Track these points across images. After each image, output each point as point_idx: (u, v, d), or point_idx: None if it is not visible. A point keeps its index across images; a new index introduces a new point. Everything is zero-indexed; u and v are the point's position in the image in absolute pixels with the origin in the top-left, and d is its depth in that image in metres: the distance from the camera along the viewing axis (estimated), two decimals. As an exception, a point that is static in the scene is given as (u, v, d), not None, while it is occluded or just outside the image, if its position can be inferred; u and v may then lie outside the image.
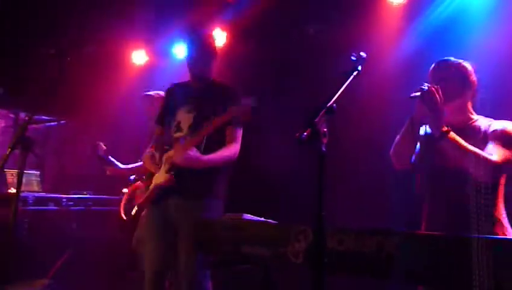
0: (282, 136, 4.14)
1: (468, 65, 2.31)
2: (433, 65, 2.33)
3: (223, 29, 4.97)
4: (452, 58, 2.33)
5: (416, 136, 2.26)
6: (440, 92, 2.11)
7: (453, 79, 2.24)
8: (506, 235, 2.13)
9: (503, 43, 3.32)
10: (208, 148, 2.70)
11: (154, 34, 5.35)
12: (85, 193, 5.10)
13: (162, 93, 4.04)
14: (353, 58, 1.89)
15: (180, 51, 5.25)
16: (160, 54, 5.48)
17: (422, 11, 3.74)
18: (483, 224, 2.03)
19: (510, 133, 2.15)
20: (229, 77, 4.93)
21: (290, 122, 4.33)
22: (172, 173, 2.69)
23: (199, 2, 4.85)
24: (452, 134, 2.08)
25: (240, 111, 2.55)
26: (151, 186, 2.77)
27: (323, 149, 1.56)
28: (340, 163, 3.42)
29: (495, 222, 2.14)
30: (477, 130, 2.23)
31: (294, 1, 4.49)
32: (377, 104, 3.56)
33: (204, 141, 2.70)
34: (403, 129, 2.25)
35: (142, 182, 3.11)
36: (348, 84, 1.79)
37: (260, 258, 1.86)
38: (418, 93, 2.10)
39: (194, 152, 2.61)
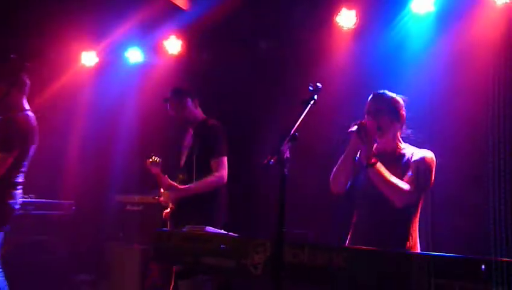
0: (240, 147, 4.34)
1: (400, 99, 2.64)
2: (370, 97, 2.66)
3: (178, 37, 5.04)
4: (387, 92, 2.65)
5: (353, 166, 2.58)
6: (372, 126, 2.48)
7: (386, 112, 2.58)
8: (414, 248, 2.47)
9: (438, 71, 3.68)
10: (199, 179, 3.42)
11: (106, 36, 5.32)
12: (27, 196, 4.97)
13: None
14: (310, 88, 2.12)
15: (132, 55, 5.27)
16: (111, 56, 5.45)
17: (371, 37, 4.02)
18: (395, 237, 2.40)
19: (426, 164, 2.50)
20: (184, 85, 5.04)
21: (246, 129, 4.57)
22: (174, 212, 3.45)
23: (153, 9, 4.89)
24: (378, 165, 2.43)
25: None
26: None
27: (286, 172, 1.77)
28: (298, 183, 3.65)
29: (407, 237, 2.47)
30: (402, 157, 2.58)
31: (249, 14, 4.65)
32: (325, 126, 3.80)
33: (195, 174, 3.41)
34: (341, 159, 2.57)
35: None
36: (306, 113, 2.01)
37: (221, 269, 2.02)
38: (355, 128, 2.45)
39: (174, 186, 3.39)
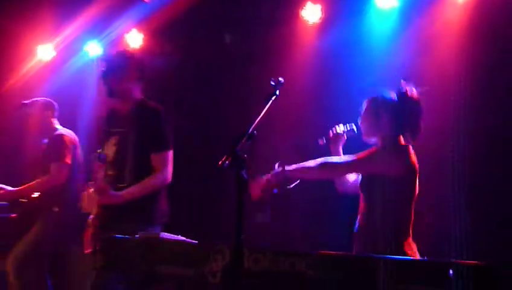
0: (201, 146, 4.20)
1: (388, 94, 2.50)
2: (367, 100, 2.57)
3: (139, 30, 4.85)
4: (373, 90, 2.57)
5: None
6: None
7: (366, 115, 2.51)
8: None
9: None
10: (139, 178, 2.68)
11: (64, 29, 5.06)
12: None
13: (40, 100, 3.92)
14: (272, 83, 1.98)
15: (92, 48, 5.03)
16: (69, 50, 5.19)
17: (336, 32, 3.96)
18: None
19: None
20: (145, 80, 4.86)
21: (207, 126, 4.44)
22: (96, 214, 2.70)
23: (114, 0, 4.69)
24: (288, 168, 2.35)
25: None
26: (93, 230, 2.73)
27: (244, 175, 1.63)
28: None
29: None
30: None
31: (214, 6, 4.52)
32: (291, 121, 3.72)
33: (133, 171, 2.68)
34: None
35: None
36: (267, 109, 1.88)
37: (177, 278, 1.88)
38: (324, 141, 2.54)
39: (108, 193, 2.61)
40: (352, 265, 1.70)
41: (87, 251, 2.72)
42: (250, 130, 1.73)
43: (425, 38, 3.65)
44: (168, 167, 2.71)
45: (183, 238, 2.12)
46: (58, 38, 5.11)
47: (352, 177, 2.57)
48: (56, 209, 3.69)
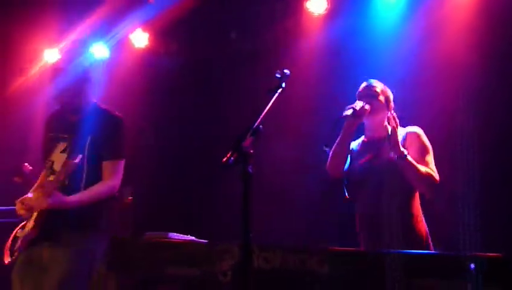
0: (208, 145, 4.15)
1: (389, 90, 2.57)
2: (363, 84, 2.55)
3: (144, 30, 4.81)
4: (375, 81, 2.56)
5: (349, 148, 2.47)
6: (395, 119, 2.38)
7: (383, 97, 2.49)
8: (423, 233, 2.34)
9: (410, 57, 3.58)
10: (87, 187, 2.45)
11: (70, 32, 5.05)
12: None
13: None
14: (277, 75, 1.92)
15: (97, 50, 5.01)
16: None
17: (342, 23, 3.88)
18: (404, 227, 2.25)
19: (422, 142, 2.41)
20: (150, 79, 4.83)
21: (212, 126, 4.40)
22: (38, 224, 2.38)
23: (118, 1, 4.66)
24: (409, 157, 2.29)
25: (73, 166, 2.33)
26: (21, 237, 2.43)
27: (250, 170, 1.57)
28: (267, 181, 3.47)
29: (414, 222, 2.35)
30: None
31: (217, 4, 4.46)
32: (298, 117, 3.65)
33: (84, 178, 2.44)
34: (336, 144, 2.45)
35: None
36: (273, 102, 1.81)
37: (186, 278, 1.83)
38: (350, 112, 2.32)
39: (57, 196, 2.34)
40: (365, 261, 1.64)
41: (7, 260, 2.41)
42: (256, 124, 1.66)
43: (432, 28, 3.57)
44: (118, 175, 2.50)
45: (192, 237, 2.07)
46: (64, 42, 5.10)
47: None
48: None
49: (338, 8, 3.98)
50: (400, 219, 2.27)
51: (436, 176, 2.31)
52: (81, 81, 2.53)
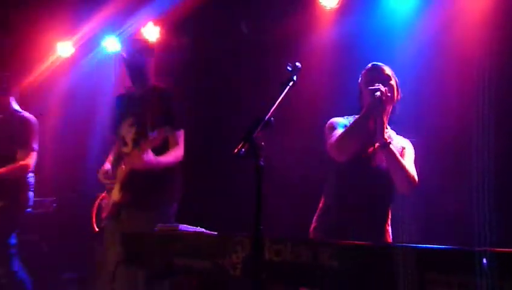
0: (219, 137, 4.15)
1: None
2: (369, 66, 2.40)
3: (155, 24, 4.81)
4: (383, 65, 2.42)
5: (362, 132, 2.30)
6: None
7: (391, 83, 2.33)
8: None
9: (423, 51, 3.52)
10: (158, 155, 2.76)
11: (82, 26, 5.08)
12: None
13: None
14: (289, 68, 1.90)
15: (110, 44, 5.02)
16: (88, 46, 5.20)
17: (355, 17, 3.84)
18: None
19: (412, 155, 2.36)
20: (163, 73, 4.83)
21: (224, 121, 4.39)
22: (125, 189, 2.77)
23: (130, -6, 4.66)
24: (392, 146, 2.22)
25: (169, 132, 2.71)
26: (110, 202, 2.85)
27: (261, 163, 1.56)
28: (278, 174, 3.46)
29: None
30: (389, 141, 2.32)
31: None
32: (309, 111, 3.62)
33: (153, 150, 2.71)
34: (353, 124, 2.28)
35: (106, 193, 3.04)
36: (284, 95, 1.80)
37: (197, 270, 1.83)
38: (378, 93, 2.19)
39: (150, 155, 2.65)
40: (379, 255, 1.62)
41: (96, 229, 2.86)
42: (267, 117, 1.65)
43: (445, 23, 3.50)
44: (181, 144, 2.85)
45: (203, 229, 2.07)
46: (77, 36, 5.13)
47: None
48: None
49: (351, 2, 3.93)
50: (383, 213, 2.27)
51: (416, 176, 2.26)
52: (140, 66, 2.91)
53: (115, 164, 2.91)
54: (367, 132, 2.28)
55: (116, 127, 2.99)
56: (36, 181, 4.06)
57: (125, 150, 2.84)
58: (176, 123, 2.82)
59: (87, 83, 5.00)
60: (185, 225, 2.02)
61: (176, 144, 2.82)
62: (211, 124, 4.49)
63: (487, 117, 2.65)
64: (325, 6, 3.99)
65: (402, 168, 2.21)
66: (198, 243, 1.89)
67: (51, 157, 4.84)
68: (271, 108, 1.69)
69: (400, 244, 1.63)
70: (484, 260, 1.40)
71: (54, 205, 4.70)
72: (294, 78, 1.90)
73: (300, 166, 3.79)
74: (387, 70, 2.39)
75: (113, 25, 4.90)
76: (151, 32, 4.81)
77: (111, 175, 2.86)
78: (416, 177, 2.26)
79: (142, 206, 2.74)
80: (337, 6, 3.96)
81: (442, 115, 3.32)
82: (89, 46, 5.16)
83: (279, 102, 1.76)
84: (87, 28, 5.04)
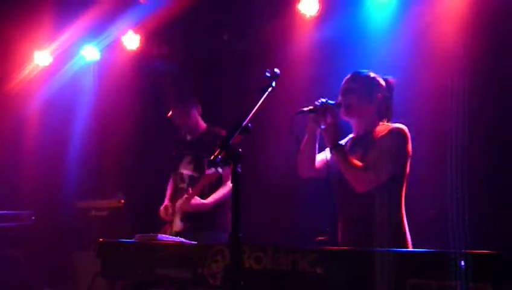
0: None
1: (379, 79, 2.42)
2: (346, 76, 2.45)
3: (136, 32, 4.79)
4: (365, 71, 2.44)
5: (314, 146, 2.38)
6: (340, 106, 2.29)
7: (360, 92, 2.36)
8: (404, 238, 2.23)
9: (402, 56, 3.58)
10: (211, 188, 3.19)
11: (60, 34, 5.03)
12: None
13: None
14: (267, 74, 1.91)
15: (88, 52, 4.98)
16: (66, 55, 5.15)
17: (334, 25, 3.89)
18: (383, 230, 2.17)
19: (392, 140, 2.26)
20: (143, 82, 4.82)
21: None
22: (185, 220, 3.17)
23: (109, 3, 4.64)
24: (339, 149, 2.24)
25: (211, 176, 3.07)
26: (173, 233, 3.15)
27: (239, 169, 1.56)
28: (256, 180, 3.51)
29: (393, 226, 2.24)
30: (375, 137, 2.33)
31: (209, 6, 4.46)
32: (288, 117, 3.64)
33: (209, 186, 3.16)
34: (302, 143, 2.38)
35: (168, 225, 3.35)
36: (262, 101, 1.81)
37: (177, 280, 1.81)
38: (306, 108, 2.27)
39: (196, 200, 3.10)
40: (357, 261, 1.63)
41: None
42: (244, 123, 1.66)
43: (424, 28, 3.57)
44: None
45: (182, 239, 2.06)
46: (55, 44, 5.08)
47: (320, 157, 2.41)
48: None
49: (330, 9, 3.97)
50: (388, 219, 2.19)
51: (364, 172, 2.19)
52: (190, 108, 3.37)
53: (173, 199, 3.27)
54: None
55: (175, 165, 3.34)
56: (13, 193, 3.99)
57: (182, 185, 3.26)
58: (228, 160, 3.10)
59: (66, 93, 4.94)
60: (164, 235, 2.00)
61: (226, 180, 3.12)
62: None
63: (462, 121, 2.69)
64: (304, 14, 4.02)
65: (347, 169, 2.21)
66: (177, 253, 1.88)
67: (29, 168, 4.76)
68: (249, 114, 1.70)
69: (380, 249, 1.64)
70: (462, 263, 1.42)
71: (32, 218, 4.61)
72: (273, 84, 1.92)
73: (278, 175, 3.80)
74: (358, 79, 2.40)
75: (92, 33, 4.86)
76: (131, 41, 4.79)
77: (170, 210, 3.21)
78: (367, 175, 2.19)
79: (200, 229, 3.08)
80: (316, 14, 4.00)
81: (419, 117, 3.37)
82: (67, 54, 5.10)
83: (257, 108, 1.76)
84: (65, 36, 4.99)
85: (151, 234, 1.99)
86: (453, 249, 1.53)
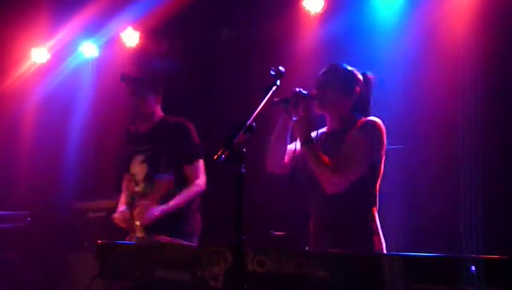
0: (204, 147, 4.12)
1: (357, 74, 2.35)
2: (335, 68, 2.37)
3: (135, 29, 4.79)
4: (343, 64, 2.37)
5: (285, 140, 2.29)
6: (314, 98, 2.21)
7: (336, 85, 2.29)
8: (375, 241, 2.15)
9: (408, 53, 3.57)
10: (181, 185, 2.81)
11: (58, 31, 5.03)
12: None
13: None
14: (272, 73, 1.90)
15: (87, 49, 4.98)
16: (64, 52, 5.15)
17: (340, 22, 3.88)
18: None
19: (362, 136, 2.16)
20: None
21: (204, 125, 4.38)
22: (146, 230, 2.71)
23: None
24: (310, 145, 2.13)
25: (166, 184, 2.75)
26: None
27: (243, 170, 1.55)
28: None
29: (363, 229, 2.17)
30: (347, 133, 2.24)
31: (210, 1, 4.46)
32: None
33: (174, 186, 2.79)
34: (272, 135, 2.29)
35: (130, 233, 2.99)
36: (267, 100, 1.80)
37: (176, 283, 1.80)
38: (279, 99, 2.15)
39: (152, 210, 2.70)
40: (365, 264, 1.62)
41: None
42: (249, 122, 1.65)
43: (432, 25, 3.56)
44: (202, 174, 2.82)
45: (182, 241, 2.05)
46: (53, 41, 5.07)
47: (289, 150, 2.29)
48: None
49: (335, 6, 3.97)
50: (360, 219, 2.14)
51: (331, 170, 2.09)
52: (152, 90, 2.91)
53: (130, 205, 2.86)
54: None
55: (126, 165, 2.92)
56: (9, 194, 3.99)
57: (138, 189, 2.84)
58: (192, 155, 2.82)
59: (63, 91, 4.93)
60: (164, 237, 2.00)
61: (195, 177, 2.80)
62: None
63: (474, 121, 2.68)
64: (309, 12, 4.02)
65: (315, 167, 2.12)
66: (178, 255, 1.87)
67: (25, 168, 4.76)
68: (253, 113, 1.69)
69: (387, 252, 1.63)
70: (473, 268, 1.41)
71: (28, 219, 4.61)
72: (278, 82, 1.91)
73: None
74: (337, 72, 2.33)
75: (91, 30, 4.86)
76: (131, 37, 4.79)
77: (127, 217, 2.81)
78: (329, 172, 2.10)
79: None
80: (321, 10, 4.00)
81: (427, 116, 3.36)
82: (65, 51, 5.09)
83: (262, 107, 1.75)
84: (63, 33, 4.99)
85: (151, 236, 1.98)
86: (464, 253, 1.52)
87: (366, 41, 3.74)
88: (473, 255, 1.46)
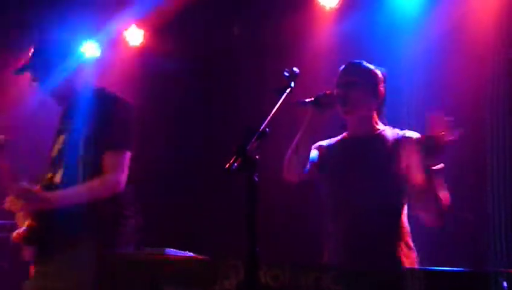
0: (211, 150, 4.14)
1: (379, 73, 2.34)
2: (342, 67, 2.35)
3: (139, 27, 4.82)
4: (364, 63, 2.36)
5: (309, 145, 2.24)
6: (343, 101, 2.20)
7: (360, 85, 2.26)
8: (410, 255, 2.16)
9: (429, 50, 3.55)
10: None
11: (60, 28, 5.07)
12: None
13: None
14: (286, 74, 1.90)
15: (88, 49, 5.02)
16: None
17: (356, 17, 3.87)
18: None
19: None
20: (146, 80, 4.84)
21: (213, 128, 4.38)
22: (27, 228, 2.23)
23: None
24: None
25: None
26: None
27: (256, 178, 1.55)
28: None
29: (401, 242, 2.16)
30: (383, 140, 2.25)
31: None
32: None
33: (81, 172, 2.23)
34: (296, 139, 2.21)
35: None
36: (281, 104, 1.80)
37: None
38: (308, 100, 2.15)
39: (39, 195, 2.20)
40: (383, 279, 1.61)
41: None
42: (262, 127, 1.65)
43: (456, 20, 3.53)
44: (123, 169, 2.26)
45: (192, 254, 2.06)
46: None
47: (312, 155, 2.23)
48: None
49: (352, 0, 3.97)
50: (387, 239, 2.12)
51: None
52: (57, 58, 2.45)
53: None
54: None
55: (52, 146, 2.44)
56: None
57: (49, 175, 2.34)
58: (116, 142, 2.27)
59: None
60: (172, 249, 2.01)
61: (110, 170, 2.21)
62: (202, 136, 4.49)
63: (501, 120, 2.65)
64: (324, 6, 4.03)
65: (437, 201, 2.12)
66: (187, 269, 1.88)
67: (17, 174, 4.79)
68: (266, 118, 1.69)
69: (408, 267, 1.62)
70: (505, 284, 1.40)
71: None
72: (292, 84, 1.91)
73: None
74: (359, 71, 2.31)
75: (92, 29, 4.90)
76: (135, 36, 4.82)
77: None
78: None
79: (51, 252, 2.24)
80: (337, 6, 4.00)
81: (457, 111, 3.33)
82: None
83: (275, 111, 1.75)
84: (64, 32, 5.03)
85: (158, 248, 1.98)
86: (493, 266, 1.50)
87: (385, 37, 3.72)
88: (504, 270, 1.44)
